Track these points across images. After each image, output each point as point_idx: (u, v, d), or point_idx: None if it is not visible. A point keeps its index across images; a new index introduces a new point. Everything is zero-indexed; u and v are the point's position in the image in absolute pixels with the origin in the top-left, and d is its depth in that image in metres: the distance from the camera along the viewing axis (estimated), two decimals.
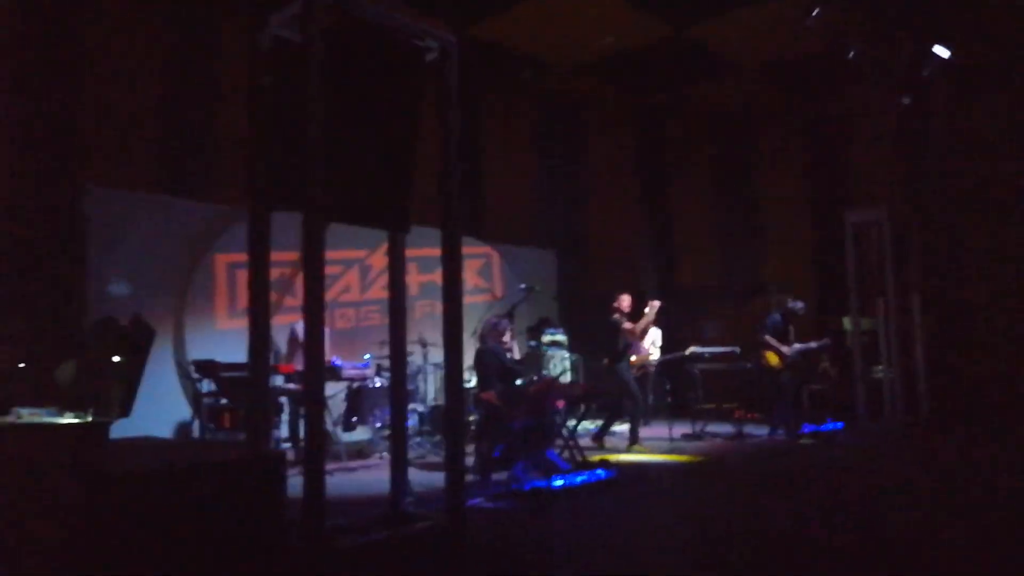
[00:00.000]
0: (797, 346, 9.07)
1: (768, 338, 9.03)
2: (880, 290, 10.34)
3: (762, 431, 9.01)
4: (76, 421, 3.25)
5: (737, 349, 9.33)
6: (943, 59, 8.65)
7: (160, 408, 7.93)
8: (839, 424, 9.09)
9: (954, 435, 8.84)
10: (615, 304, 8.45)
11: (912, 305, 10.35)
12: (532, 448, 6.00)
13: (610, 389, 8.76)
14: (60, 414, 3.33)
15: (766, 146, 13.02)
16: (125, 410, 3.40)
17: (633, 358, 8.79)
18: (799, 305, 9.22)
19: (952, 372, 10.33)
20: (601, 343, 9.67)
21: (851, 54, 8.78)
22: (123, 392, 3.34)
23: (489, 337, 6.67)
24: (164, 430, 7.86)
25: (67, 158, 8.21)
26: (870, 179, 11.62)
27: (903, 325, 10.26)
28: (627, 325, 8.23)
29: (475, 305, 9.72)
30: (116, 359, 3.31)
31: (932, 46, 8.60)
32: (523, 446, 5.98)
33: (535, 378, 6.90)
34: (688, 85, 12.00)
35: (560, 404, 6.89)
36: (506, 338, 6.90)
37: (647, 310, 8.34)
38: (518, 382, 6.38)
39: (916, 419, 9.91)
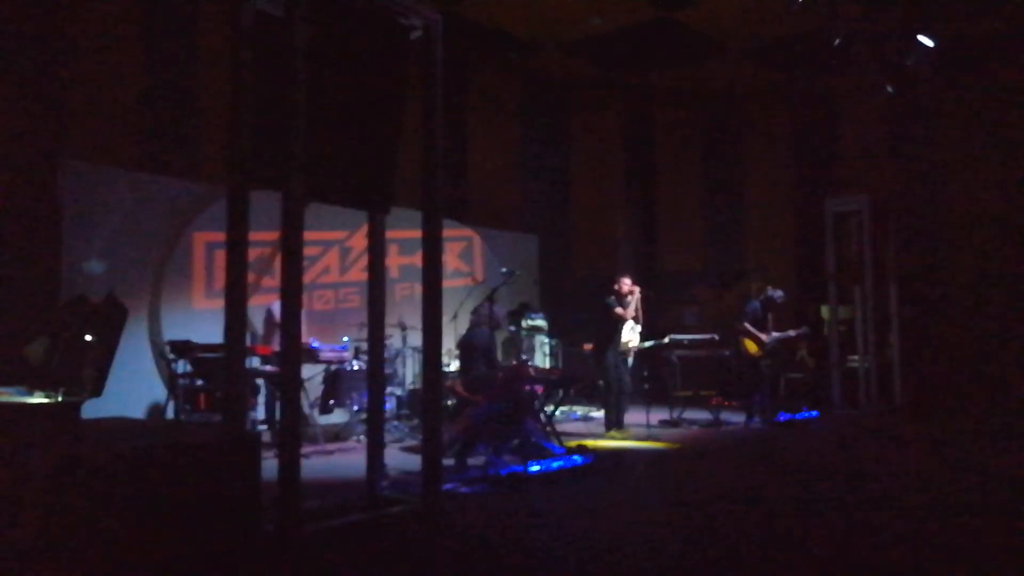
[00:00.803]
0: (775, 334, 9.13)
1: (747, 326, 9.07)
2: (859, 279, 10.43)
3: (739, 419, 9.08)
4: (46, 400, 3.19)
5: (716, 336, 9.37)
6: (928, 48, 8.67)
7: (134, 388, 7.83)
8: (814, 412, 9.18)
9: (927, 423, 8.96)
10: (616, 287, 8.37)
11: (889, 295, 10.45)
12: (499, 434, 5.99)
13: (588, 374, 8.78)
14: (30, 393, 3.26)
15: (752, 130, 13.04)
16: (97, 390, 3.34)
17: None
18: (778, 293, 9.27)
19: (927, 362, 10.47)
20: (584, 328, 9.69)
21: (836, 41, 8.77)
22: (95, 372, 3.28)
23: (483, 322, 6.64)
24: (138, 411, 7.77)
25: (42, 132, 8.03)
26: (854, 167, 11.68)
27: (880, 314, 10.36)
28: (618, 310, 8.22)
29: (455, 289, 9.68)
30: (88, 338, 3.25)
31: (917, 34, 8.61)
32: (486, 431, 5.97)
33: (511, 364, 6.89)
34: (674, 67, 11.96)
35: (538, 389, 6.89)
36: (500, 324, 6.86)
37: (629, 297, 8.33)
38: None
39: (890, 407, 10.03)
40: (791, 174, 12.70)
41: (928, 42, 8.67)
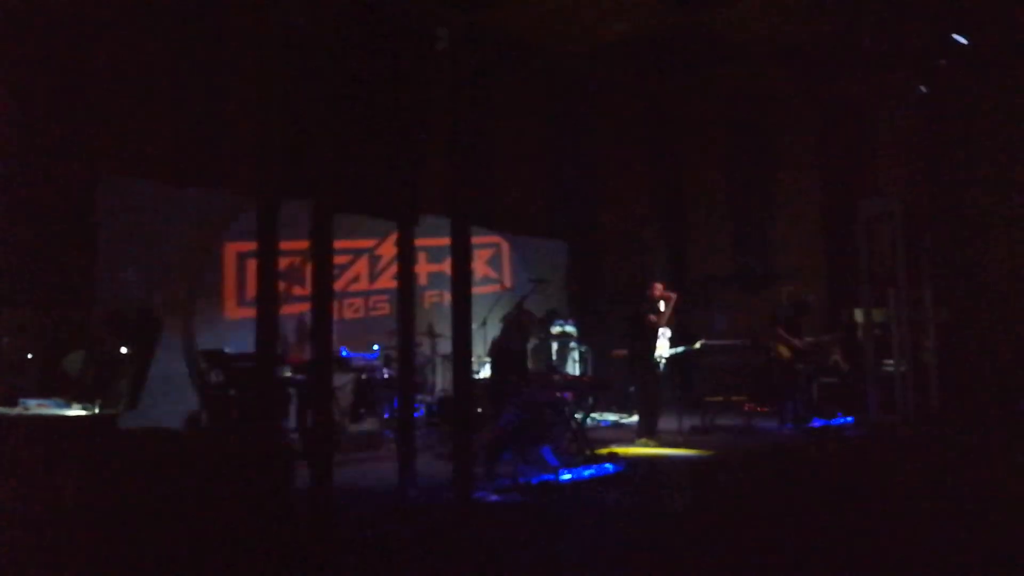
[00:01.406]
0: (808, 339, 8.99)
1: (780, 330, 8.96)
2: (892, 282, 10.25)
3: (771, 424, 8.96)
4: (84, 413, 3.24)
5: (747, 342, 9.26)
6: (961, 47, 8.51)
7: (168, 399, 7.94)
8: (849, 418, 9.03)
9: (965, 429, 8.76)
10: (650, 292, 8.31)
11: (924, 298, 10.26)
12: (524, 442, 5.95)
13: (618, 381, 8.71)
14: (68, 405, 3.32)
15: (780, 134, 12.90)
16: (132, 402, 3.39)
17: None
18: (811, 297, 9.15)
19: (964, 366, 10.25)
20: (613, 334, 9.62)
21: (867, 41, 8.64)
22: (130, 384, 3.33)
23: (514, 329, 6.62)
24: (172, 421, 7.87)
25: (78, 147, 8.19)
26: (885, 169, 11.50)
27: (915, 318, 10.17)
28: (651, 317, 8.16)
29: (484, 295, 9.68)
30: (124, 351, 3.29)
31: (950, 33, 8.46)
32: (511, 440, 5.95)
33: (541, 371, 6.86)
34: (701, 72, 11.87)
35: (568, 396, 6.85)
36: (530, 332, 6.84)
37: (662, 304, 8.27)
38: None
39: (927, 413, 9.83)
40: (820, 177, 12.53)
41: (962, 40, 8.52)
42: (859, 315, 10.70)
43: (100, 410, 3.19)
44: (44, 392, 3.38)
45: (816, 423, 8.69)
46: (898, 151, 11.38)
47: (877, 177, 11.55)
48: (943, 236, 10.54)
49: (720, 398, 9.36)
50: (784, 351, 8.95)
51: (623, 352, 8.79)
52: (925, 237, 10.37)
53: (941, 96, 10.26)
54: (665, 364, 8.83)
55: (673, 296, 8.32)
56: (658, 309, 8.22)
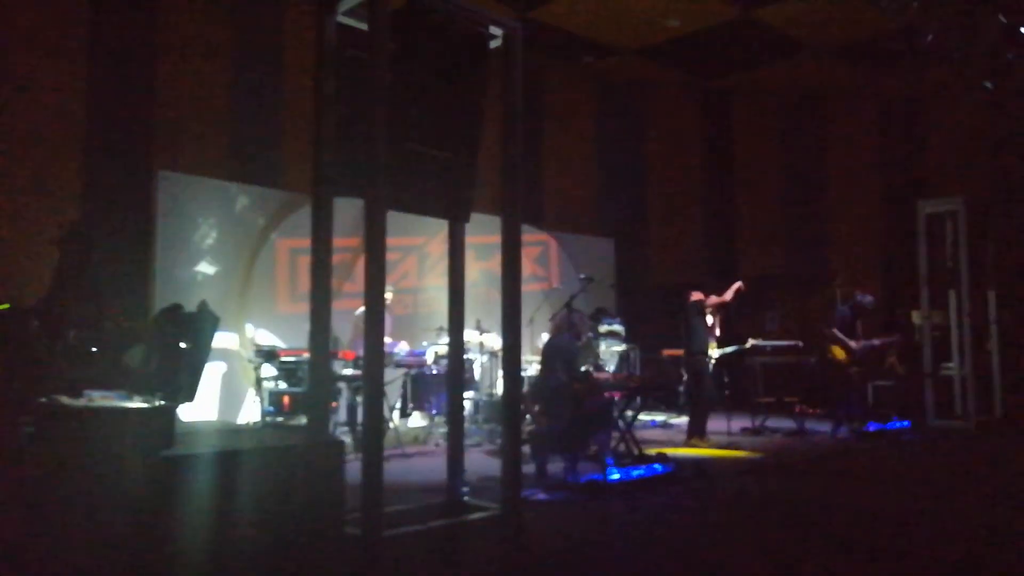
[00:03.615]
0: (865, 342, 8.78)
1: (836, 332, 8.76)
2: (952, 284, 9.95)
3: (824, 427, 8.77)
4: (145, 405, 3.32)
5: (800, 343, 9.07)
6: None
7: (223, 393, 8.12)
8: (906, 423, 8.79)
9: None
10: (695, 299, 8.24)
11: (987, 300, 9.94)
12: (573, 442, 5.92)
13: (666, 381, 8.63)
14: (130, 398, 3.40)
15: (836, 131, 12.63)
16: (190, 395, 3.46)
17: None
18: (868, 299, 8.92)
19: None
20: (661, 333, 9.53)
21: (928, 37, 8.39)
22: (189, 377, 3.40)
23: (564, 329, 6.59)
24: (227, 414, 8.05)
25: (138, 144, 8.42)
26: (946, 167, 11.18)
27: (976, 321, 9.85)
28: (712, 298, 8.10)
29: (531, 293, 9.67)
30: (183, 345, 3.36)
31: (1019, 27, 8.16)
32: (560, 439, 5.92)
33: (587, 371, 6.80)
34: (755, 68, 11.69)
35: (616, 396, 6.80)
36: (583, 332, 6.80)
37: (710, 308, 8.18)
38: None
39: (989, 419, 9.53)
40: (878, 175, 12.24)
41: None
42: (917, 317, 10.41)
43: (160, 402, 3.27)
44: (107, 384, 3.48)
45: (871, 427, 8.48)
46: (959, 148, 11.04)
47: (937, 175, 11.23)
48: (1005, 236, 10.19)
49: (771, 399, 9.20)
50: (839, 353, 8.75)
51: (673, 351, 8.69)
52: (987, 237, 10.04)
53: (1005, 91, 9.90)
54: (714, 364, 8.71)
55: (732, 291, 8.24)
56: (705, 311, 8.13)
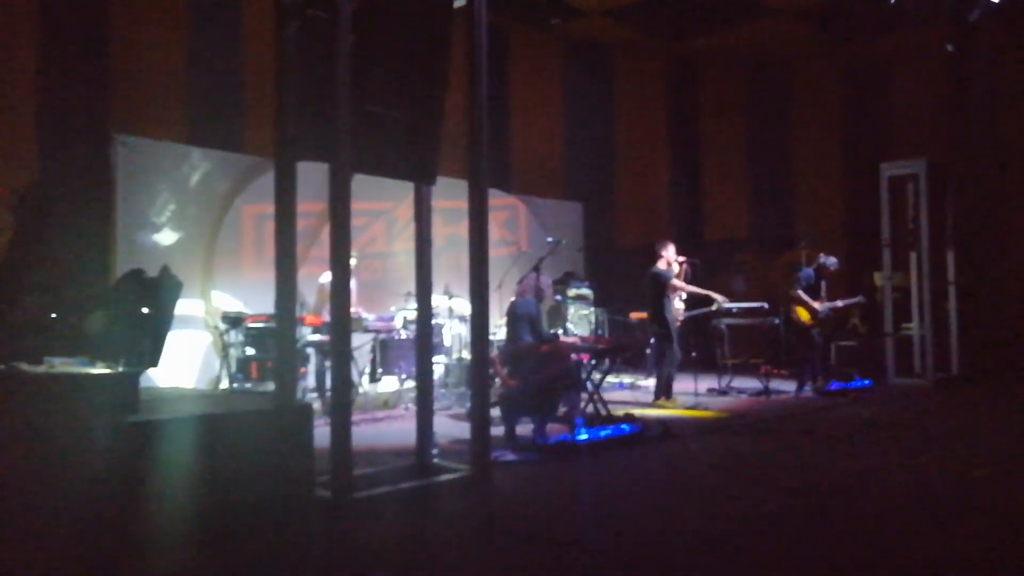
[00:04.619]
0: (828, 304, 8.93)
1: (800, 293, 8.90)
2: (914, 245, 10.13)
3: (789, 387, 8.95)
4: (107, 371, 3.28)
5: (765, 305, 9.19)
6: (992, 3, 8.28)
7: (188, 359, 8.04)
8: (867, 381, 9.00)
9: (984, 392, 8.73)
10: (664, 253, 8.23)
11: (946, 261, 10.14)
12: (541, 404, 5.97)
13: (634, 343, 8.70)
14: (91, 364, 3.36)
15: (801, 94, 12.69)
16: (154, 360, 3.43)
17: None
18: (832, 260, 9.06)
19: (985, 329, 10.16)
20: (629, 296, 9.59)
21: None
22: (152, 343, 3.37)
23: (528, 292, 6.60)
24: (192, 381, 7.98)
25: (95, 108, 8.20)
26: (908, 130, 11.31)
27: (936, 282, 10.07)
28: (675, 282, 8.12)
29: (500, 258, 9.66)
30: (145, 311, 3.32)
31: None
32: (529, 402, 5.97)
33: (553, 334, 6.84)
34: (719, 30, 11.65)
35: (584, 358, 6.86)
36: (545, 294, 6.77)
37: (675, 266, 8.23)
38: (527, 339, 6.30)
39: (946, 376, 9.79)
40: (841, 137, 12.35)
41: None
42: (879, 279, 10.61)
43: (123, 368, 3.24)
44: (68, 351, 3.43)
45: (833, 386, 8.67)
46: (922, 111, 11.17)
47: (900, 138, 11.36)
48: (968, 198, 10.37)
49: (737, 361, 9.33)
50: (803, 315, 8.90)
51: (641, 314, 8.75)
52: (948, 199, 10.21)
53: (967, 54, 10.01)
54: (680, 326, 8.81)
55: (684, 259, 8.27)
56: (672, 272, 8.18)
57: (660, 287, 8.05)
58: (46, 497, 3.15)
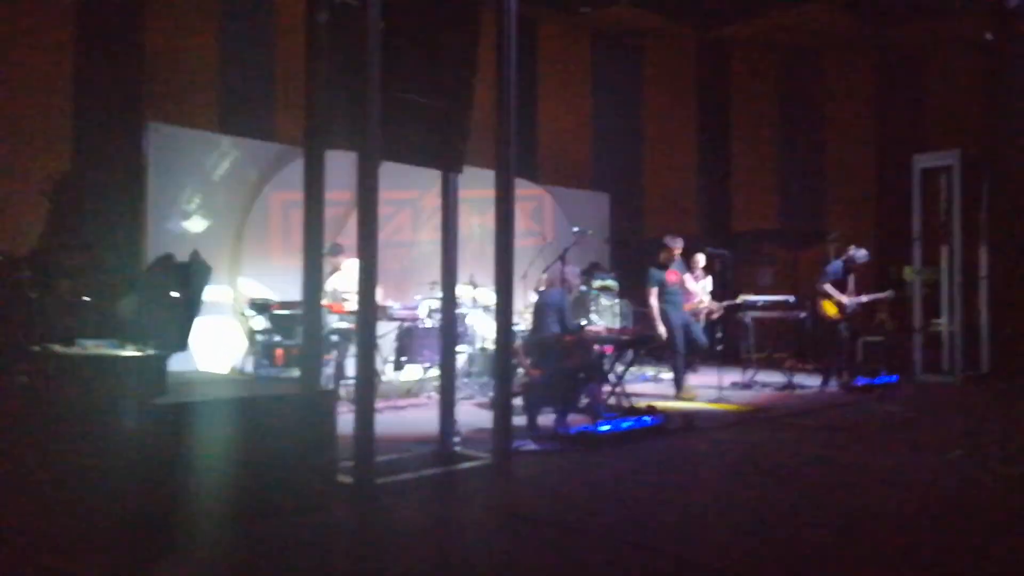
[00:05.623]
0: (855, 299, 8.82)
1: (827, 287, 8.80)
2: (946, 239, 9.97)
3: (813, 382, 8.87)
4: (137, 353, 3.35)
5: (791, 298, 9.10)
6: None
7: (217, 345, 8.15)
8: (894, 377, 8.89)
9: (1015, 390, 8.57)
10: (670, 248, 8.22)
11: (979, 256, 9.97)
12: (564, 394, 5.98)
13: (658, 335, 8.70)
14: (122, 346, 3.43)
15: (834, 85, 12.52)
16: (182, 343, 3.50)
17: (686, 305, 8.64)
18: (861, 253, 8.93)
19: (1017, 326, 9.98)
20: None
21: None
22: (180, 327, 3.43)
23: (556, 282, 6.60)
24: (221, 367, 8.10)
25: (128, 96, 8.31)
26: (943, 121, 11.11)
27: (968, 277, 9.90)
28: (677, 276, 8.11)
29: (525, 248, 9.66)
30: (174, 295, 3.38)
31: None
32: (551, 392, 5.99)
33: (579, 325, 6.84)
34: (750, 18, 11.51)
35: (608, 350, 6.86)
36: (572, 284, 6.78)
37: (673, 258, 8.23)
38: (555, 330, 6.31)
39: (975, 374, 9.64)
40: (873, 129, 12.17)
41: None
42: (908, 273, 10.46)
43: (152, 351, 3.30)
44: (100, 333, 3.51)
45: (860, 382, 8.58)
46: (957, 102, 10.96)
47: (934, 129, 11.17)
48: (1003, 192, 10.17)
49: (762, 355, 9.27)
50: (830, 309, 8.80)
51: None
52: (982, 192, 10.02)
53: (1005, 43, 9.78)
54: (704, 319, 8.77)
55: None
56: (671, 265, 8.17)
57: (645, 283, 8.09)
58: (77, 472, 3.23)
